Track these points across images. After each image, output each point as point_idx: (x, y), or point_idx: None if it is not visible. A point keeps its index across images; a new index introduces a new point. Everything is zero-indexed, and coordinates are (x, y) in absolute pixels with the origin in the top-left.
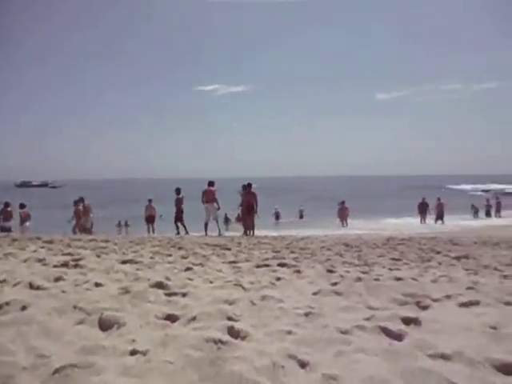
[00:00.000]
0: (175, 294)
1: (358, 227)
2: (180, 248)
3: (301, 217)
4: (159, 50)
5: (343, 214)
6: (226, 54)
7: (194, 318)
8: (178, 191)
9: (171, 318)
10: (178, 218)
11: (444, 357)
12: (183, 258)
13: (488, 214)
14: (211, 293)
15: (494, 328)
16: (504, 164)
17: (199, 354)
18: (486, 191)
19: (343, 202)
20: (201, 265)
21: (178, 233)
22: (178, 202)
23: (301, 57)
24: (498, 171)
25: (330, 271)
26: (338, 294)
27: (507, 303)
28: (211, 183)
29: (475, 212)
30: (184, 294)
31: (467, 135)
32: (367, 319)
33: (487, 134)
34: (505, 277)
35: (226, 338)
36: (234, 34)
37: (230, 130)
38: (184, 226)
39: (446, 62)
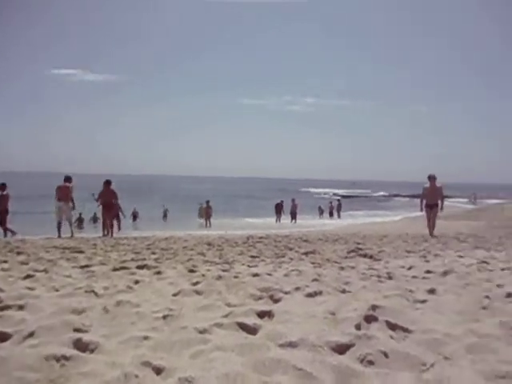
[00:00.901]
0: (8, 307)
1: (221, 227)
2: (19, 253)
3: (164, 216)
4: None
5: (207, 214)
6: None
7: (31, 334)
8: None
9: (0, 338)
10: (2, 220)
11: (291, 345)
12: (23, 263)
13: (331, 214)
14: (56, 302)
15: (333, 314)
16: (353, 171)
17: (35, 376)
18: (332, 195)
19: (208, 202)
20: (45, 271)
21: (5, 236)
22: (2, 200)
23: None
24: (347, 177)
25: (191, 271)
26: (198, 293)
27: (343, 291)
28: (68, 178)
29: (321, 213)
30: (21, 307)
31: (327, 144)
32: (225, 316)
33: (342, 144)
34: (341, 268)
35: (72, 352)
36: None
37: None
38: (6, 231)
39: (304, 78)
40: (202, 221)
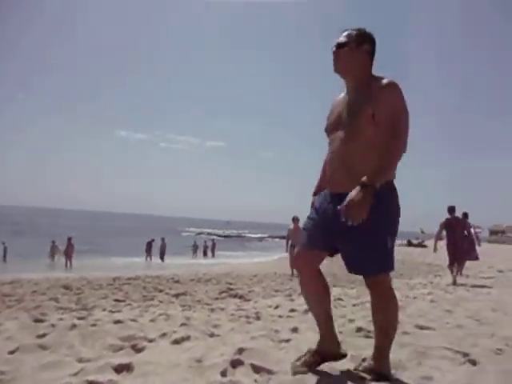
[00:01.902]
0: None
1: (84, 267)
2: None
3: (4, 256)
4: None
5: (68, 252)
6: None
7: None
8: None
9: None
10: None
11: None
12: None
13: (205, 254)
14: None
15: (199, 361)
16: (228, 211)
17: None
18: (207, 234)
19: (69, 239)
20: None
21: None
22: None
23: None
24: (223, 217)
25: (38, 320)
26: (43, 348)
27: (211, 335)
28: None
29: (194, 251)
30: None
31: (204, 183)
32: (75, 374)
33: (215, 184)
34: (212, 310)
35: None
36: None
37: None
38: None
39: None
40: (57, 260)
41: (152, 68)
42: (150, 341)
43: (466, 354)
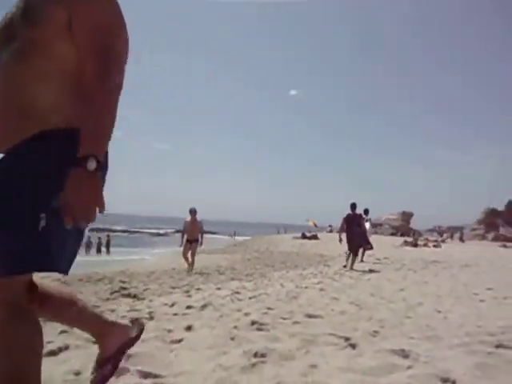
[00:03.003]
0: None
1: None
2: None
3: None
4: None
5: None
6: None
7: None
8: None
9: None
10: None
11: None
12: None
13: (98, 251)
14: None
15: (78, 373)
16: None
17: None
18: (101, 230)
19: None
20: None
21: None
22: None
23: None
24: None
25: None
26: None
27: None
28: None
29: (87, 248)
30: None
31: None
32: None
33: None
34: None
35: None
36: None
37: None
38: None
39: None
40: None
41: None
42: None
43: (347, 339)
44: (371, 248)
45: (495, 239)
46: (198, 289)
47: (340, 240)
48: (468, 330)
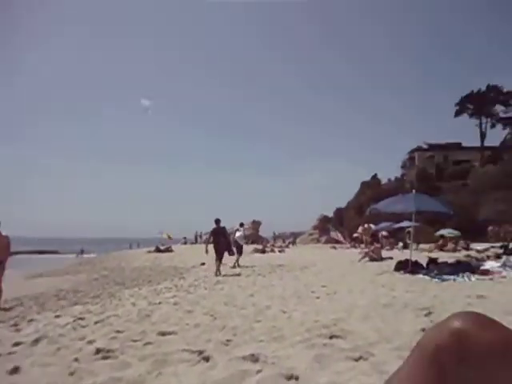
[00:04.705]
0: None
1: None
2: None
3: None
4: None
5: None
6: None
7: None
8: None
9: None
10: None
11: None
12: None
13: None
14: None
15: None
16: None
17: None
18: None
19: None
20: None
21: None
22: None
23: None
24: None
25: None
26: None
27: None
28: None
29: None
30: None
31: None
32: None
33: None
34: None
35: None
36: None
37: None
38: None
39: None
40: None
41: None
42: None
43: (201, 352)
44: (233, 254)
45: (327, 242)
46: (31, 320)
47: (206, 251)
48: (308, 326)
